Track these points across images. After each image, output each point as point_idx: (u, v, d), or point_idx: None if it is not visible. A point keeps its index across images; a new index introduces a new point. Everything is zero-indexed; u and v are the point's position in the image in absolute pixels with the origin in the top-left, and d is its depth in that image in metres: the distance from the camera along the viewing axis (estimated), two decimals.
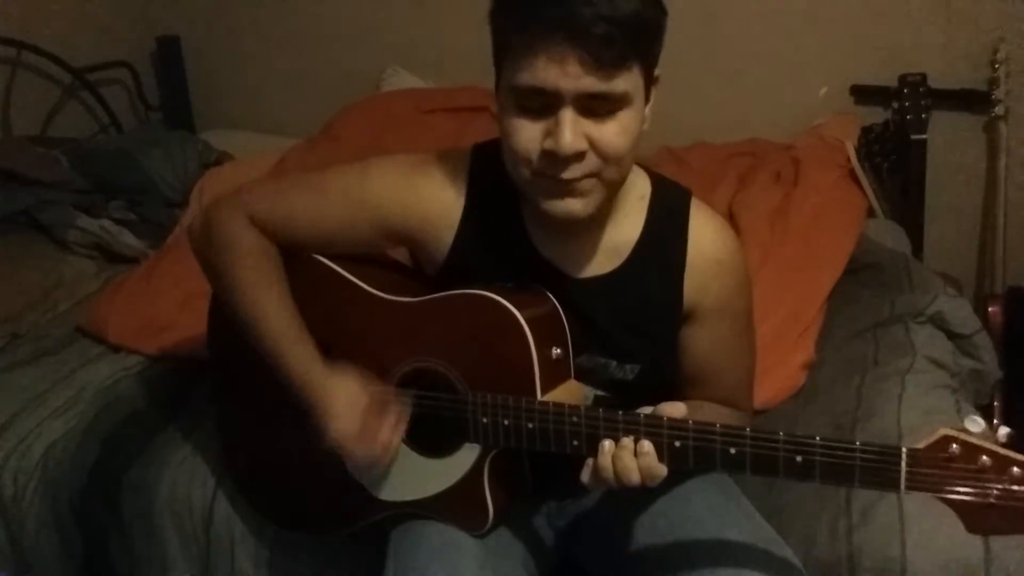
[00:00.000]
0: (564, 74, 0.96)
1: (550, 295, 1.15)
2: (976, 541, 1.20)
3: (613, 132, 1.01)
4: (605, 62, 0.96)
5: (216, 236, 1.21)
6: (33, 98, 2.74)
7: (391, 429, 1.14)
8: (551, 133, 1.00)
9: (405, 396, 1.17)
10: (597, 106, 0.99)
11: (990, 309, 2.13)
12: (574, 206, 1.05)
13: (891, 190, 2.27)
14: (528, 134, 1.01)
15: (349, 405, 1.13)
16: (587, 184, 1.03)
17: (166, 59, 3.05)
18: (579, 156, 1.00)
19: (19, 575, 1.61)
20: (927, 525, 1.23)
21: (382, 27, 2.84)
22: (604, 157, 1.02)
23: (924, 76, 2.21)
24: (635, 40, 0.97)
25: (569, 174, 1.02)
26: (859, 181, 2.19)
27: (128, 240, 2.26)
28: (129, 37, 3.01)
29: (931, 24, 2.33)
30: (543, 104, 0.99)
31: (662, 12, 1.01)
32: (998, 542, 1.19)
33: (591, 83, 0.97)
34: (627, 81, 0.99)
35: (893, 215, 2.24)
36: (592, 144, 1.00)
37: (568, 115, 0.98)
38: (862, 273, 1.93)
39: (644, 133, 1.06)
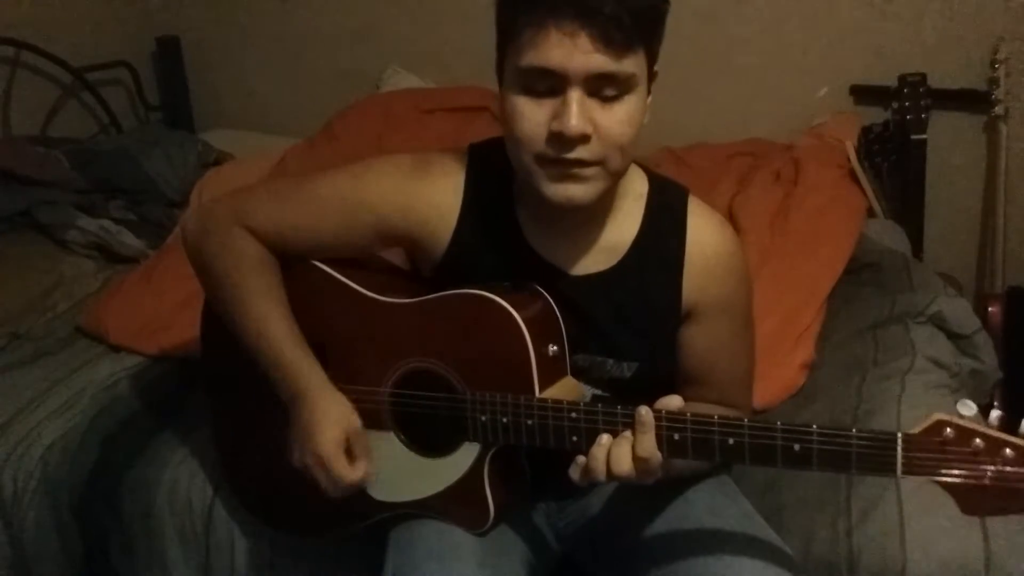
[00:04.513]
0: (574, 51, 0.97)
1: (545, 293, 1.15)
2: (976, 541, 1.20)
3: (618, 118, 1.01)
4: (615, 42, 0.97)
5: (213, 245, 1.21)
6: (33, 98, 2.74)
7: (365, 466, 1.15)
8: (558, 115, 1.00)
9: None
10: (605, 87, 1.00)
11: (990, 309, 2.12)
12: (575, 191, 1.04)
13: (891, 190, 2.27)
14: (534, 116, 1.02)
15: (335, 429, 1.13)
16: (589, 171, 1.03)
17: (166, 59, 3.05)
18: (585, 139, 1.01)
19: None
20: (927, 525, 1.23)
21: (382, 27, 2.85)
22: (608, 143, 1.02)
23: (924, 76, 2.21)
24: (643, 23, 0.99)
25: (574, 155, 1.01)
26: (859, 181, 2.19)
27: (128, 240, 2.26)
28: (129, 37, 3.01)
29: (931, 24, 2.33)
30: (550, 85, 1.00)
31: (666, 1, 1.03)
32: (998, 541, 1.19)
33: (601, 62, 0.97)
34: (634, 64, 1.00)
35: (893, 215, 2.24)
36: (597, 129, 1.01)
37: (576, 95, 0.99)
38: (862, 273, 1.93)
39: (644, 128, 1.06)
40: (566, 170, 1.03)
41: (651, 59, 1.04)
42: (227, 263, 1.20)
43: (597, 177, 1.04)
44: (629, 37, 0.98)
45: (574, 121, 0.99)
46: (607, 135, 1.01)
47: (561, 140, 1.00)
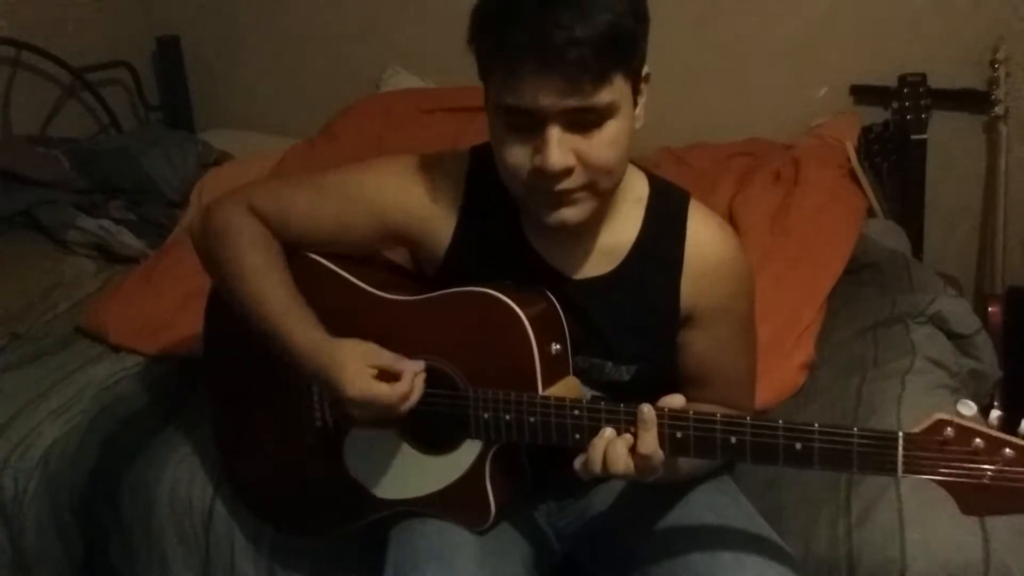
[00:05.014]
0: (544, 94, 0.97)
1: (548, 292, 1.15)
2: (976, 541, 1.20)
3: (601, 145, 1.01)
4: (583, 82, 0.96)
5: (217, 225, 1.21)
6: (33, 98, 2.74)
7: (410, 375, 1.10)
8: (539, 151, 1.00)
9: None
10: (583, 119, 0.99)
11: (990, 309, 2.12)
12: (568, 215, 1.05)
13: (891, 190, 2.27)
14: (517, 153, 1.02)
15: (361, 360, 1.10)
16: (579, 195, 1.04)
17: (166, 59, 3.05)
18: (568, 172, 1.01)
19: None
20: (927, 525, 1.23)
21: (382, 27, 2.85)
22: (594, 169, 1.02)
23: (924, 76, 2.22)
24: (612, 56, 0.97)
25: (560, 187, 1.02)
26: (859, 181, 2.19)
27: (128, 240, 2.26)
28: (129, 37, 3.00)
29: (931, 24, 2.33)
30: (529, 121, 1.00)
31: (640, 20, 1.01)
32: (998, 541, 1.20)
33: (573, 101, 0.97)
34: (610, 93, 0.99)
35: (893, 215, 2.24)
36: (580, 158, 1.01)
37: (554, 133, 0.99)
38: (862, 273, 1.93)
39: (639, 131, 1.06)
40: (556, 197, 1.04)
41: (634, 74, 1.03)
42: (231, 241, 1.20)
43: (588, 199, 1.05)
44: (598, 75, 0.97)
45: (553, 159, 0.99)
46: (591, 163, 1.01)
47: (544, 176, 1.01)
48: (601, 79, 0.97)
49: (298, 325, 1.15)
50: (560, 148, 0.99)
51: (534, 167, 1.01)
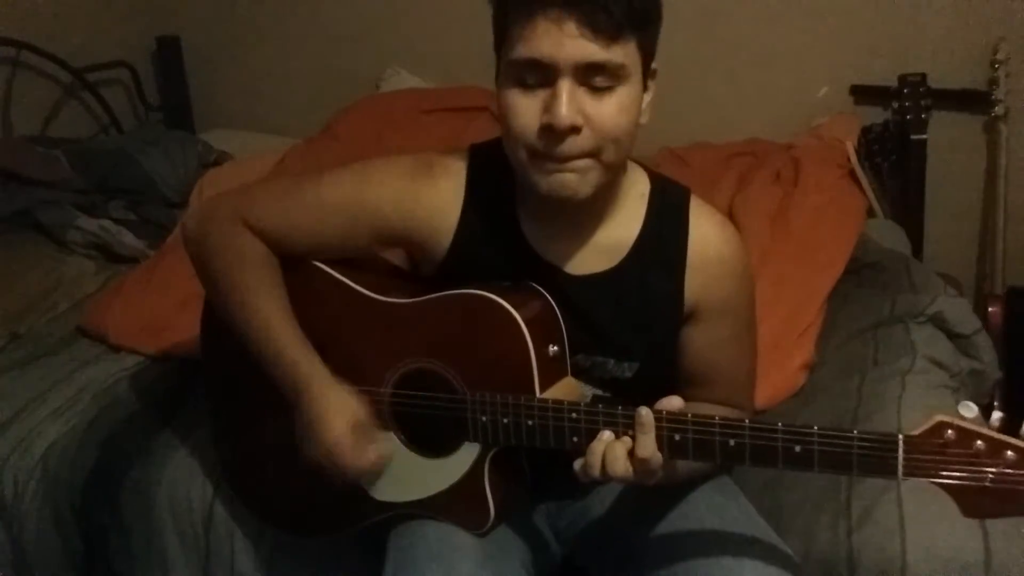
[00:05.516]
0: (562, 39, 0.97)
1: (545, 292, 1.15)
2: (976, 541, 1.20)
3: (610, 109, 1.01)
4: (602, 28, 0.97)
5: (214, 242, 1.21)
6: (33, 98, 2.74)
7: (379, 449, 1.15)
8: (549, 108, 1.00)
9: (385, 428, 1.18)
10: (595, 77, 1.00)
11: (990, 309, 2.12)
12: (570, 181, 1.04)
13: (891, 190, 2.27)
14: (526, 111, 1.02)
15: (344, 417, 1.13)
16: (583, 163, 1.03)
17: (166, 59, 3.05)
18: (576, 130, 1.01)
19: None
20: (927, 525, 1.23)
21: (382, 27, 2.85)
22: (601, 134, 1.02)
23: (924, 76, 2.22)
24: (631, 13, 0.99)
25: (566, 149, 1.01)
26: (859, 181, 2.19)
27: (128, 240, 2.26)
28: (129, 37, 3.01)
29: (931, 24, 2.33)
30: (541, 77, 1.00)
31: None
32: (998, 542, 1.19)
33: (589, 49, 0.98)
34: (625, 54, 1.00)
35: (893, 215, 2.24)
36: (589, 121, 1.01)
37: (565, 86, 0.99)
38: (862, 273, 1.93)
39: (643, 129, 1.07)
40: (559, 163, 1.03)
41: (645, 53, 1.04)
42: (228, 260, 1.20)
43: (591, 169, 1.04)
44: (617, 24, 0.98)
45: (564, 111, 0.99)
46: (599, 126, 1.01)
47: (552, 133, 1.01)
48: (619, 31, 0.98)
49: (292, 355, 1.16)
50: (570, 103, 0.99)
51: (542, 125, 1.01)
